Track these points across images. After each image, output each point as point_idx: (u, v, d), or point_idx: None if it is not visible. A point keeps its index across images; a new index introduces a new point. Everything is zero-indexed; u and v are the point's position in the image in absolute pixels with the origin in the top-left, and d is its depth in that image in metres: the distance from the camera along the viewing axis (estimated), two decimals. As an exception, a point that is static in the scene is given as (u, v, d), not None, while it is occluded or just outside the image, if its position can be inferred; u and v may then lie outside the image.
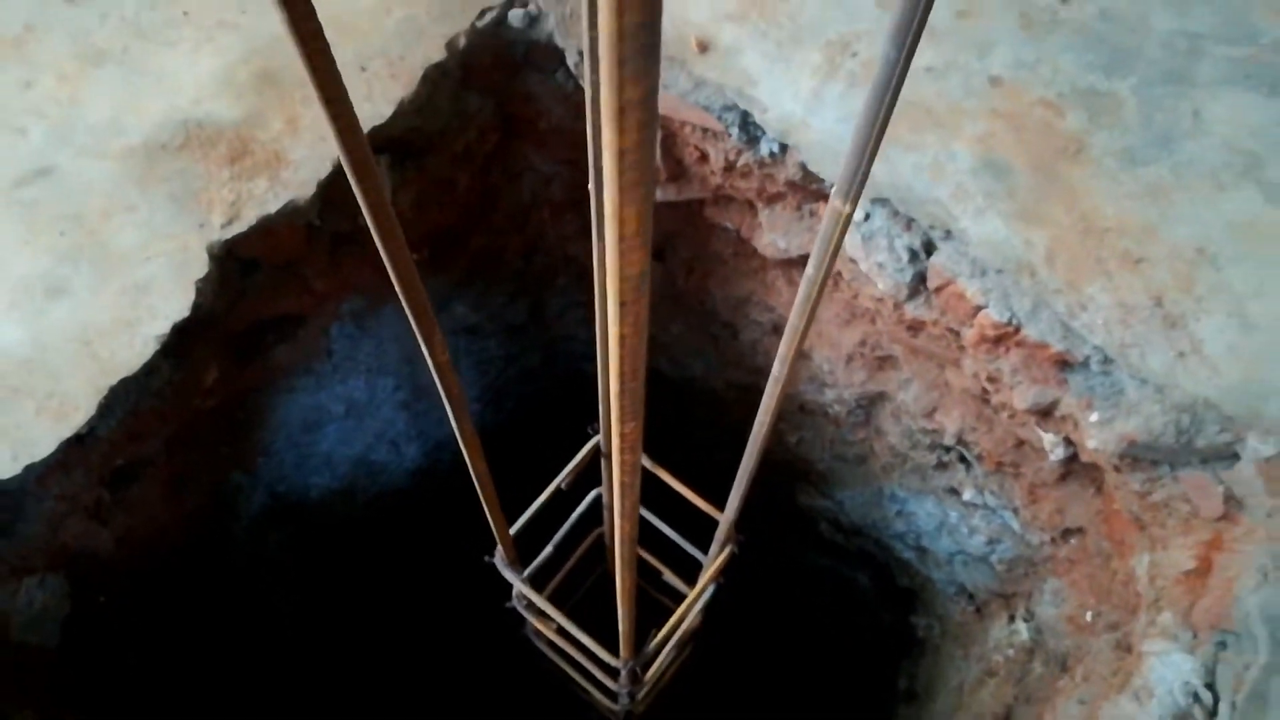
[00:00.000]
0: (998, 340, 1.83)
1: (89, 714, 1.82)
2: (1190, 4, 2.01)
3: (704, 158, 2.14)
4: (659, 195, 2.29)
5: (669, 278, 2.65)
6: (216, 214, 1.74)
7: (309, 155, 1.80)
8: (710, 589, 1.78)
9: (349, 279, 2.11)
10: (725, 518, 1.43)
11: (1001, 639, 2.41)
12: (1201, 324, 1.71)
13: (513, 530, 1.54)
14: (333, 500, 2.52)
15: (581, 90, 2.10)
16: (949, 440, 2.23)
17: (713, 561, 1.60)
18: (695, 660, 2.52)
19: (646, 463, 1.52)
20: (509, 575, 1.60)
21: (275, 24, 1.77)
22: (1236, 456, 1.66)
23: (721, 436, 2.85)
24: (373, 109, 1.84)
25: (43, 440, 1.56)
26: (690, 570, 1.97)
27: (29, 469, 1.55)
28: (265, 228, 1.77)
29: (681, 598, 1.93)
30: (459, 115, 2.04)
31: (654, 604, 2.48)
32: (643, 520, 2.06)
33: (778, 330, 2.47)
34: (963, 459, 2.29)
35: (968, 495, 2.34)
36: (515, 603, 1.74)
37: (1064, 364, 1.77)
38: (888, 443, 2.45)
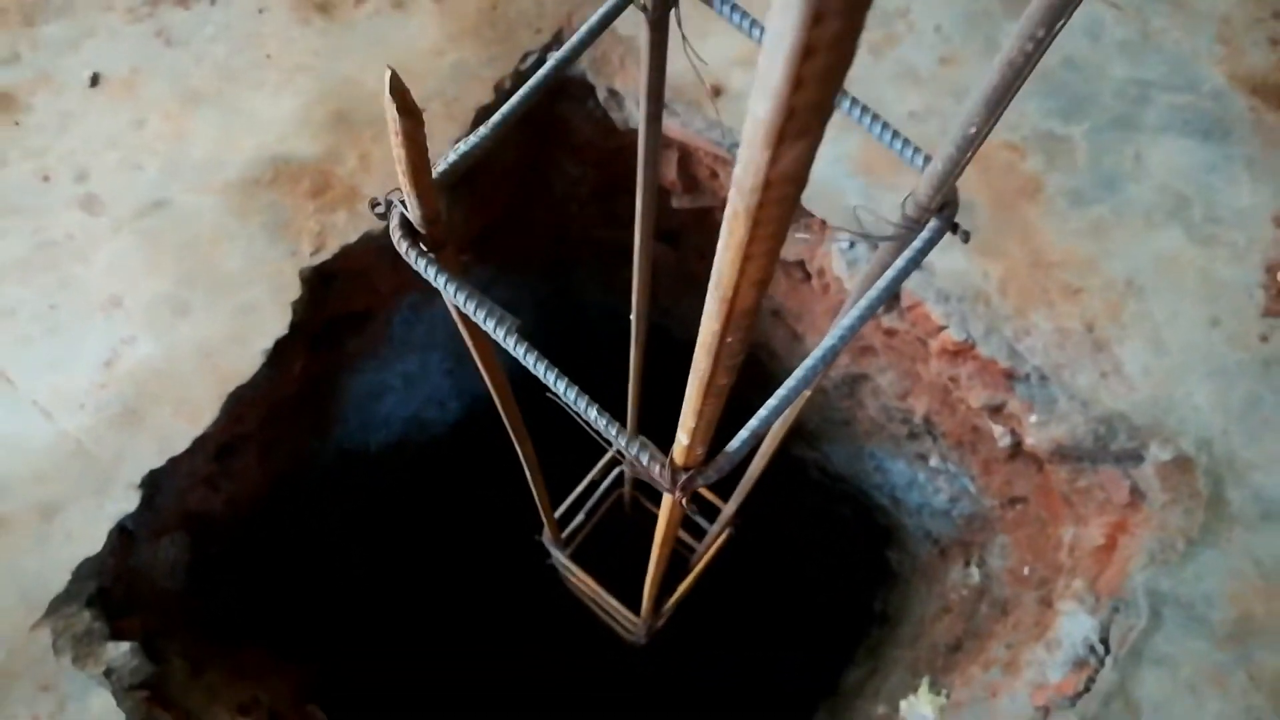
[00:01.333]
0: (956, 353, 2.20)
1: (207, 639, 2.27)
2: (1144, 53, 2.29)
3: (715, 175, 2.46)
4: (674, 202, 2.62)
5: (682, 261, 2.99)
6: (305, 243, 2.09)
7: (380, 191, 2.12)
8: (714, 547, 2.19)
9: (409, 280, 2.45)
10: (727, 510, 1.82)
11: (957, 580, 2.85)
12: (1124, 348, 2.07)
13: (557, 514, 1.94)
14: (389, 452, 2.93)
15: (609, 116, 2.41)
16: (918, 420, 2.61)
17: (713, 540, 2.01)
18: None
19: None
20: (555, 552, 2.01)
21: (345, 67, 2.09)
22: (1142, 459, 2.05)
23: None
24: (434, 149, 2.16)
25: (179, 438, 1.95)
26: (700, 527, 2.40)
27: (171, 461, 1.94)
28: (345, 253, 2.11)
29: (691, 550, 2.35)
30: (503, 143, 2.35)
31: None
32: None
33: (776, 314, 2.83)
34: (929, 433, 2.68)
35: (933, 462, 2.74)
36: (555, 562, 2.15)
37: (1010, 376, 2.14)
38: (868, 414, 2.83)
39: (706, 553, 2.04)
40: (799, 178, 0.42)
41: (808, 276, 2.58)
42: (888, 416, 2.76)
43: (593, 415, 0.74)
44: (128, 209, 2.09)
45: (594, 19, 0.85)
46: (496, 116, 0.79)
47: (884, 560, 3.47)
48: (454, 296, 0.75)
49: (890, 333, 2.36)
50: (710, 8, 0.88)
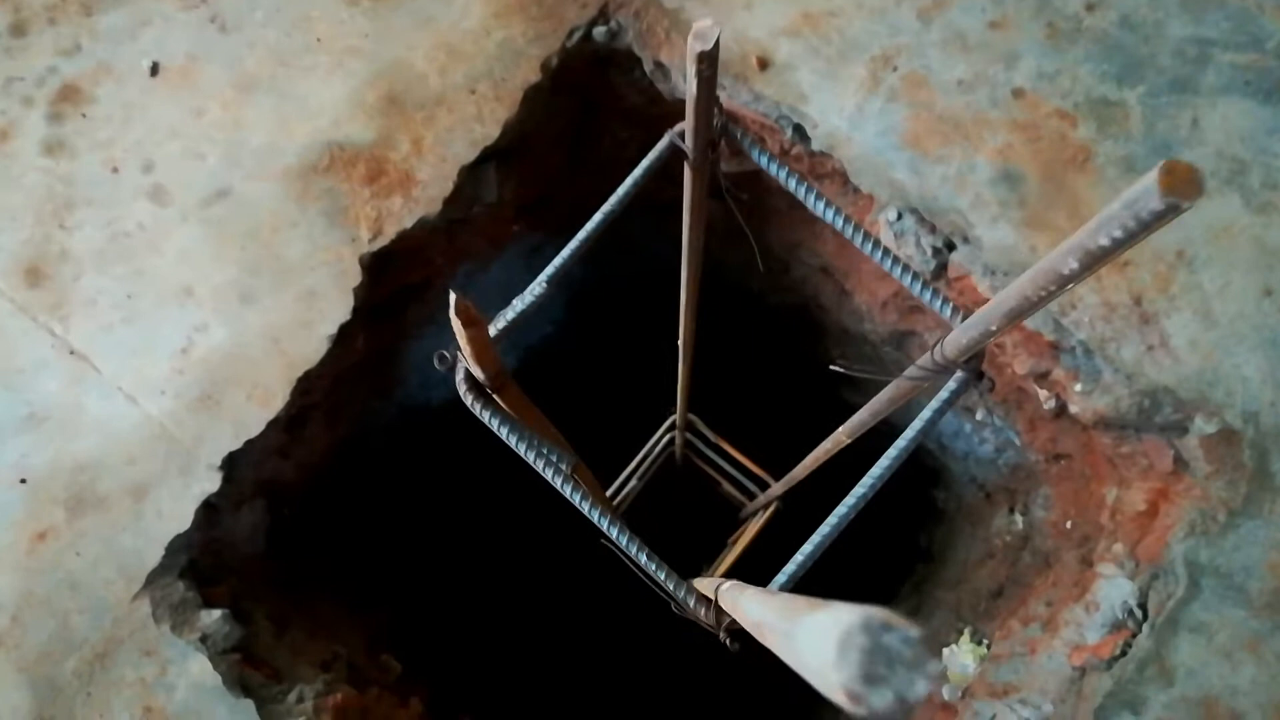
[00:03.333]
0: (1002, 324, 2.22)
1: (287, 598, 2.43)
2: (1206, 9, 2.22)
3: (762, 140, 2.46)
4: (723, 166, 2.63)
5: (727, 213, 3.01)
6: (363, 229, 2.16)
7: (434, 175, 2.19)
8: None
9: (464, 249, 2.52)
10: (773, 490, 1.90)
11: (1002, 526, 2.92)
12: (1171, 321, 2.07)
13: (611, 489, 2.04)
14: (449, 406, 3.04)
15: (655, 86, 2.42)
16: (965, 377, 2.64)
17: (760, 513, 2.09)
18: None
19: (709, 434, 1.98)
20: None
21: (394, 49, 2.13)
22: (1186, 430, 2.07)
23: (770, 346, 3.29)
24: (484, 131, 2.20)
25: (254, 422, 2.07)
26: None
27: (249, 443, 2.07)
28: (402, 236, 2.18)
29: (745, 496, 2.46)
30: (552, 115, 2.38)
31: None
32: (713, 445, 2.56)
33: (825, 271, 2.85)
34: (976, 389, 2.71)
35: (980, 415, 2.78)
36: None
37: (1056, 348, 2.16)
38: (915, 367, 2.87)
39: (756, 524, 2.13)
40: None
41: (855, 236, 2.59)
42: (935, 371, 2.79)
43: (643, 559, 0.81)
44: (193, 199, 2.18)
45: (639, 170, 0.90)
46: (551, 269, 0.85)
47: (930, 499, 3.54)
48: (515, 444, 0.82)
49: (937, 299, 2.38)
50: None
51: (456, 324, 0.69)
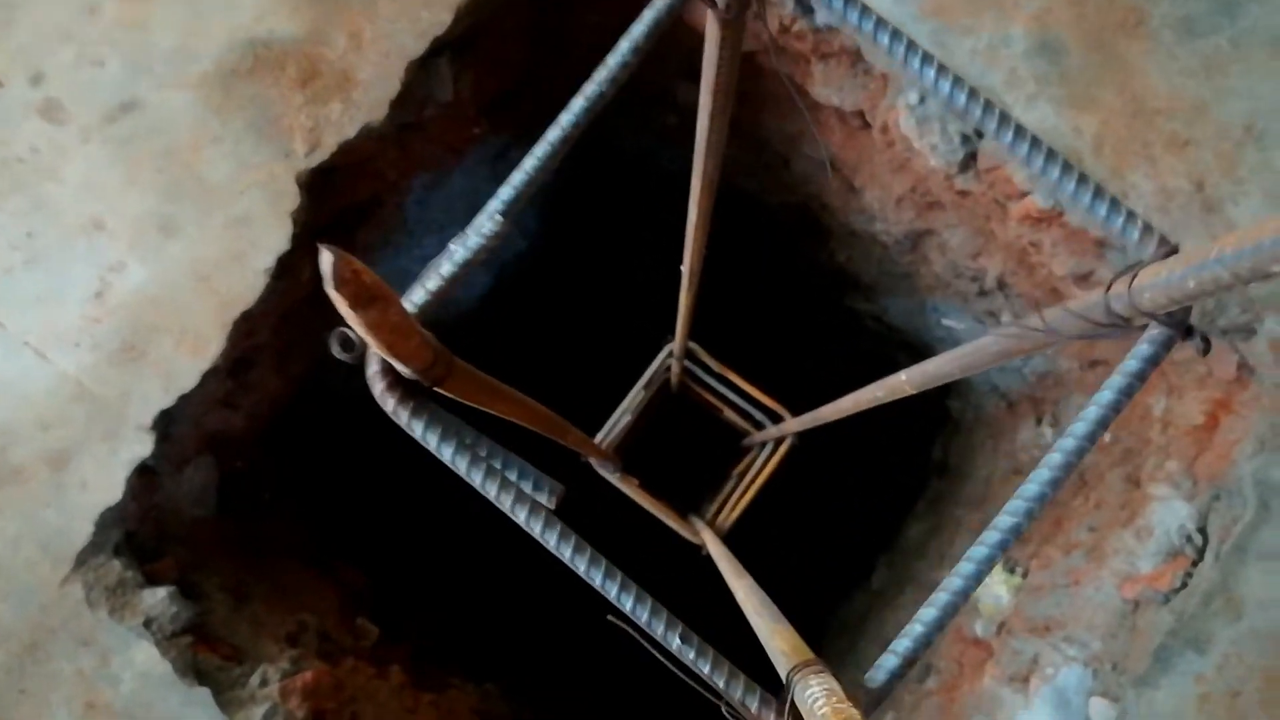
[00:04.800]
0: (1040, 220, 1.94)
1: (246, 563, 2.19)
2: None
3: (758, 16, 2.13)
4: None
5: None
6: (298, 142, 1.84)
7: (377, 74, 1.86)
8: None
9: (417, 159, 2.21)
10: (788, 426, 1.65)
11: (1028, 440, 2.69)
12: (1239, 207, 1.80)
13: (600, 439, 1.78)
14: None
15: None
16: (990, 280, 2.37)
17: (767, 446, 1.85)
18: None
19: (713, 363, 1.72)
20: (606, 474, 1.87)
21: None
22: (1254, 332, 1.82)
23: (773, 247, 3.01)
24: (432, 18, 1.87)
25: (187, 372, 1.80)
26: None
27: (182, 398, 1.79)
28: (344, 149, 1.87)
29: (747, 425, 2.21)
30: (511, 2, 2.04)
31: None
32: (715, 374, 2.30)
33: (832, 164, 2.54)
34: (1002, 292, 2.44)
35: (1004, 320, 2.51)
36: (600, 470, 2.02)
37: (1103, 245, 1.89)
38: (933, 269, 2.59)
39: (772, 459, 1.89)
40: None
41: (866, 125, 2.29)
42: (955, 274, 2.52)
43: (675, 645, 0.55)
44: (94, 114, 1.85)
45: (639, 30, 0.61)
46: (513, 186, 0.57)
47: (944, 409, 3.31)
48: (468, 474, 0.55)
49: (963, 194, 2.10)
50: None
51: (340, 304, 0.41)
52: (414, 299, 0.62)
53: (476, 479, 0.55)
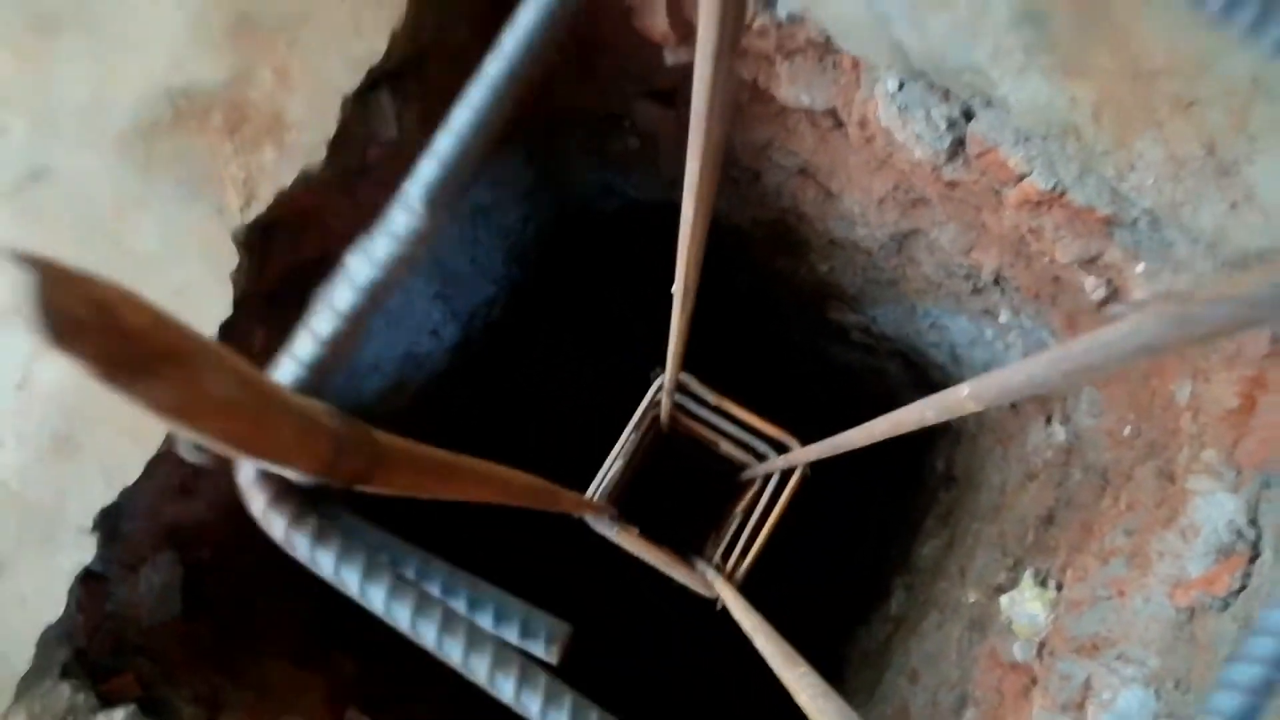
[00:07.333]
0: (1040, 203, 1.80)
1: (220, 666, 1.99)
2: None
3: (714, 21, 1.99)
4: (668, 59, 2.17)
5: (681, 121, 2.54)
6: (232, 196, 1.67)
7: (309, 114, 1.70)
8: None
9: (367, 207, 2.04)
10: (798, 456, 1.49)
11: (1040, 442, 2.54)
12: (1255, 167, 1.67)
13: (593, 494, 1.61)
14: (387, 396, 2.58)
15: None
16: (985, 275, 2.23)
17: (783, 485, 1.68)
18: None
19: (709, 395, 1.56)
20: (603, 529, 1.70)
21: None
22: (1286, 301, 1.68)
23: (747, 268, 2.86)
24: (366, 46, 1.71)
25: (130, 463, 1.61)
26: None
27: (124, 492, 1.60)
28: (282, 200, 1.70)
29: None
30: (451, 13, 1.89)
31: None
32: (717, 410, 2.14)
33: (804, 173, 2.41)
34: (999, 287, 2.31)
35: (1003, 318, 2.38)
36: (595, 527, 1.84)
37: (1110, 223, 1.75)
38: (921, 271, 2.45)
39: (785, 495, 1.73)
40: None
41: (839, 125, 2.15)
42: (947, 273, 2.38)
43: None
44: (2, 183, 1.67)
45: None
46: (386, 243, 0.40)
47: (943, 416, 3.16)
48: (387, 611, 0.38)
49: (952, 185, 1.96)
50: None
51: (85, 367, 0.24)
52: (298, 354, 0.44)
53: (402, 618, 0.38)
